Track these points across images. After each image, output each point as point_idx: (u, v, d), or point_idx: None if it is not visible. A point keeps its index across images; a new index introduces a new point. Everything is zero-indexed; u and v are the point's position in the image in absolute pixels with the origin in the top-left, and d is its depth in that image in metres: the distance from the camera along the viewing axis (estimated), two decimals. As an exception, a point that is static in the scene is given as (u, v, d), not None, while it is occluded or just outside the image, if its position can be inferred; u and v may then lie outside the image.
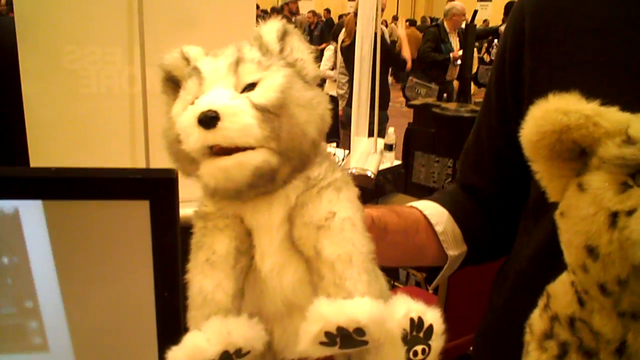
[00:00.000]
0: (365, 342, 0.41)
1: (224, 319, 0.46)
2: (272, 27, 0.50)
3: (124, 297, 0.59)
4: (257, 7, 12.46)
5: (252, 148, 0.44)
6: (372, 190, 3.43)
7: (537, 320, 0.51)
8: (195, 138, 0.44)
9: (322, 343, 0.40)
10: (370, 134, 3.95)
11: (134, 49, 1.62)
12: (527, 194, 0.77)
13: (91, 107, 1.63)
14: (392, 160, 3.91)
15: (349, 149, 3.77)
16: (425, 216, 0.84)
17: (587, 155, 0.43)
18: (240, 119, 0.44)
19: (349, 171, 3.47)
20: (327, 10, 14.26)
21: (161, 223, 0.58)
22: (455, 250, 0.84)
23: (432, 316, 0.44)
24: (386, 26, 6.53)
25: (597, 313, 0.45)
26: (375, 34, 3.78)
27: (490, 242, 0.88)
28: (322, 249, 0.45)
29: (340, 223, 0.46)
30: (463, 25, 5.37)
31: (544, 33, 0.69)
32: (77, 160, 1.61)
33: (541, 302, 0.51)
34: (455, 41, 6.00)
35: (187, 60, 0.51)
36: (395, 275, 3.48)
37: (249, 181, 0.45)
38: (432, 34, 5.88)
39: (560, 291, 0.49)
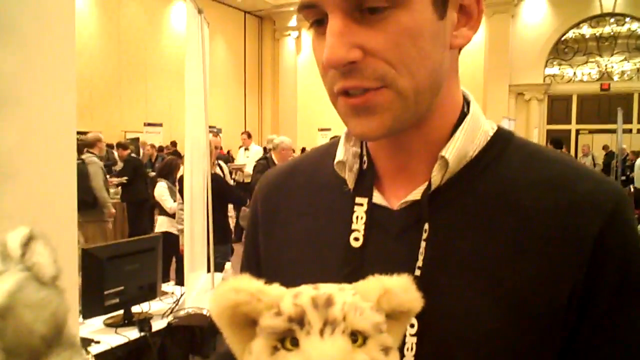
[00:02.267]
0: None
1: None
2: (18, 234, 0.55)
3: None
4: (101, 139, 12.29)
5: None
6: (209, 327, 3.36)
7: None
8: None
9: None
10: (209, 269, 3.94)
11: None
12: None
13: None
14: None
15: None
16: None
17: (257, 324, 0.51)
18: None
19: (185, 311, 3.40)
20: (173, 143, 14.53)
21: None
22: None
23: None
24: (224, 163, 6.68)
25: None
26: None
27: None
28: None
29: None
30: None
31: (271, 215, 0.80)
32: None
33: None
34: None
35: None
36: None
37: None
38: (261, 166, 6.15)
39: None
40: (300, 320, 0.48)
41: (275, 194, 0.81)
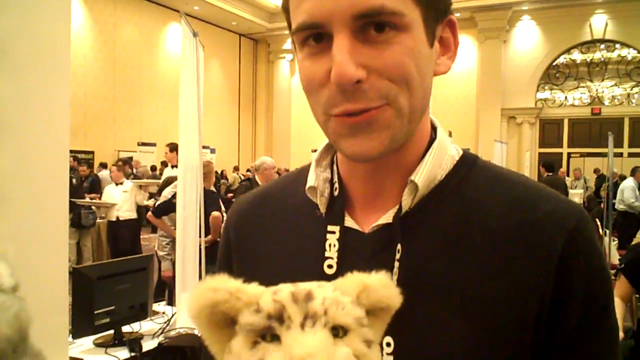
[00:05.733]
0: None
1: None
2: None
3: None
4: (100, 164, 12.25)
5: None
6: (201, 348, 3.34)
7: None
8: None
9: None
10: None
11: None
12: None
13: None
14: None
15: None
16: None
17: (236, 322, 0.51)
18: None
19: (176, 331, 3.39)
20: (164, 163, 14.58)
21: None
22: None
23: None
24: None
25: None
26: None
27: None
28: None
29: None
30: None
31: (244, 242, 0.81)
32: None
33: None
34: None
35: None
36: None
37: None
38: (244, 188, 5.98)
39: None
40: (279, 317, 0.48)
41: (247, 221, 0.82)
